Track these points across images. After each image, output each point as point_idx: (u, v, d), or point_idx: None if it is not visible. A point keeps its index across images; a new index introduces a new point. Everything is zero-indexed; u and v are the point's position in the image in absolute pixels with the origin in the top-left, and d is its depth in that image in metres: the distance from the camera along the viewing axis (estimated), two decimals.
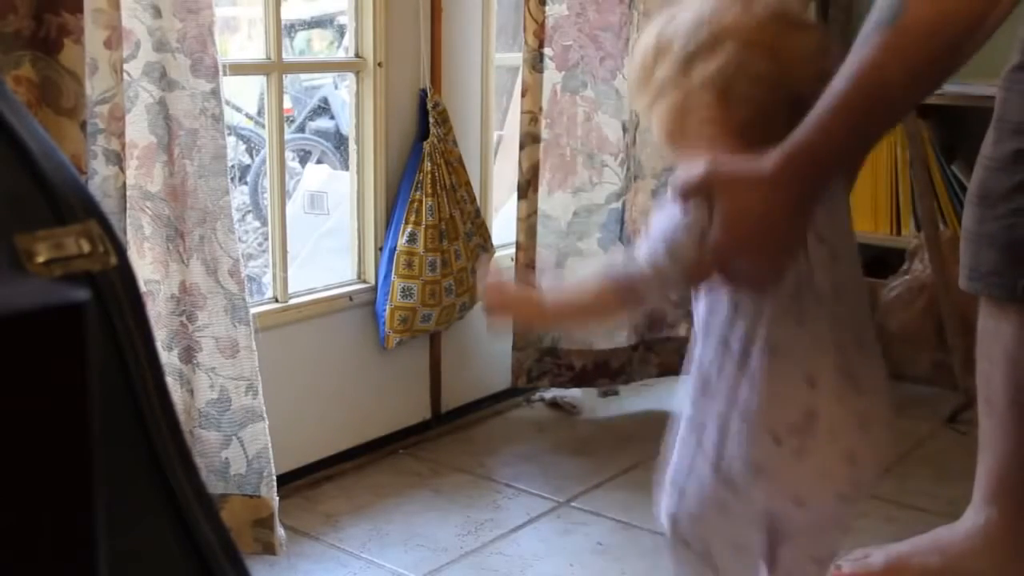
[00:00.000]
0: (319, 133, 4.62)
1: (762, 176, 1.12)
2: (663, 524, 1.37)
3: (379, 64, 2.33)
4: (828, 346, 1.24)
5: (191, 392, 1.90)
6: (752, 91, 1.20)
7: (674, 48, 1.22)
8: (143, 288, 1.75)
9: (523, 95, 2.50)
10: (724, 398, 1.26)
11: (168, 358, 1.86)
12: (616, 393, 2.82)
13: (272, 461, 1.95)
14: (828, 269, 1.25)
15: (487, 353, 2.68)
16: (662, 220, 1.22)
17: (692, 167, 1.18)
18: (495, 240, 2.61)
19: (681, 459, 1.32)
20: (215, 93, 1.84)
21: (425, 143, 2.37)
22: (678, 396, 1.37)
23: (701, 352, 1.29)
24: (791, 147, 1.10)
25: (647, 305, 1.27)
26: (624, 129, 2.53)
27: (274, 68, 2.18)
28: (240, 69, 2.35)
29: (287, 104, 4.48)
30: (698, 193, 1.17)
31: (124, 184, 1.75)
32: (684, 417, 1.32)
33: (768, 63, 1.19)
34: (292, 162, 4.39)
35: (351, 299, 2.36)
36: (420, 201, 2.34)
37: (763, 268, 1.18)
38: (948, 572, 1.82)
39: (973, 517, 1.69)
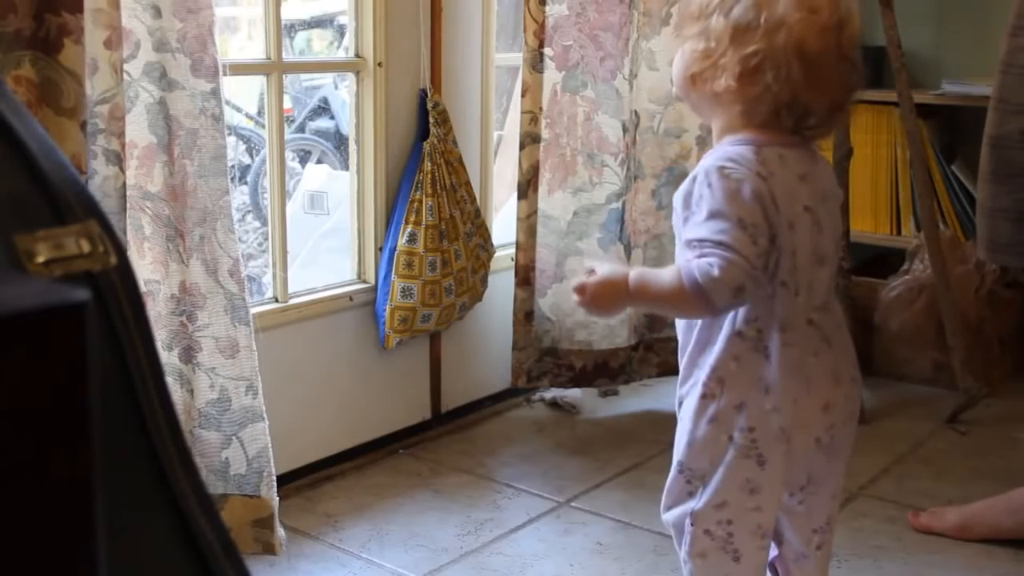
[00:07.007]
0: (319, 133, 4.62)
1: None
2: (680, 525, 1.42)
3: (379, 64, 2.33)
4: (808, 308, 1.36)
5: (191, 392, 1.90)
6: (776, 86, 1.29)
7: (735, 10, 1.30)
8: (143, 288, 1.75)
9: (523, 95, 2.50)
10: (746, 379, 1.34)
11: (168, 358, 1.86)
12: (616, 393, 2.82)
13: (272, 461, 1.95)
14: (811, 236, 1.34)
15: (487, 353, 2.68)
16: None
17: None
18: (495, 240, 2.61)
19: (702, 452, 1.37)
20: (215, 93, 1.84)
21: (425, 143, 2.37)
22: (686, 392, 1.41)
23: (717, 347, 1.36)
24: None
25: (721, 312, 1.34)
26: (624, 129, 2.53)
27: (274, 68, 2.18)
28: (240, 69, 2.35)
29: (287, 104, 4.48)
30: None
31: (124, 184, 1.75)
32: (697, 409, 1.37)
33: (802, 74, 1.28)
34: (292, 162, 4.39)
35: (351, 299, 2.36)
36: (420, 201, 2.34)
37: None
38: (1020, 532, 1.92)
39: None
